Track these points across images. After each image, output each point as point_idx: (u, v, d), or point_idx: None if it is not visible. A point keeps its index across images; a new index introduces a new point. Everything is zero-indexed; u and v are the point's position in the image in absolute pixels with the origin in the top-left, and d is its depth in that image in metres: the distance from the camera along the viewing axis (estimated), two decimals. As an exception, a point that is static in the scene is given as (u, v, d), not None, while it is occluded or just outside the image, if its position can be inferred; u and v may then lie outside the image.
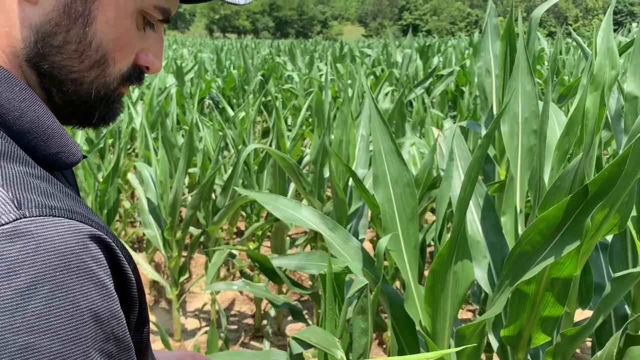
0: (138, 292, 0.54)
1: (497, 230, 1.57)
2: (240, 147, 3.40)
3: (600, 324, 1.59)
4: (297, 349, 1.31)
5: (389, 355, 1.55)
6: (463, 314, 3.48)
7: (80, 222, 0.48)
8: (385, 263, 2.60)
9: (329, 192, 3.18)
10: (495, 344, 1.49)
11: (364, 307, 1.28)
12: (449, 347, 1.40)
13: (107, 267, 0.49)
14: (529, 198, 1.58)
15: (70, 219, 0.47)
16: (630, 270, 1.35)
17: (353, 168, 2.50)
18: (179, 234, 3.29)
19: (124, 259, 0.51)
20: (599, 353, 1.26)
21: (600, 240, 1.76)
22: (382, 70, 7.12)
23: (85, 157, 0.60)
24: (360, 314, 1.28)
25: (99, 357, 0.47)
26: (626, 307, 1.64)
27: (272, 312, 3.40)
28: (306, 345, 1.32)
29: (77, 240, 0.46)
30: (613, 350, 1.22)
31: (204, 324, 3.73)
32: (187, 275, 3.53)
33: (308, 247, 3.72)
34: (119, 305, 0.49)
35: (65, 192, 0.52)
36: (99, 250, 0.48)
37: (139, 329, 0.56)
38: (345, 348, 1.33)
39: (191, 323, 3.83)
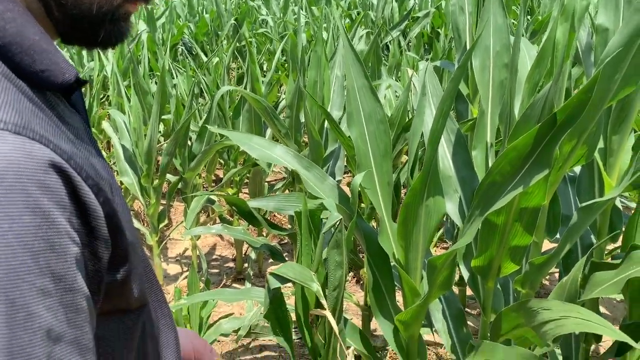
0: (113, 231, 0.51)
1: (468, 165, 1.59)
2: (214, 93, 3.35)
3: (567, 253, 1.65)
4: (274, 284, 1.34)
5: (365, 289, 1.60)
6: (437, 252, 3.57)
7: (44, 145, 0.46)
8: (363, 206, 2.64)
9: (306, 139, 3.18)
10: (466, 274, 1.54)
11: (339, 241, 1.30)
12: (421, 279, 1.45)
13: (61, 197, 0.45)
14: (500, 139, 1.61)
15: (32, 139, 0.45)
16: (596, 199, 1.40)
17: (328, 110, 2.49)
18: (156, 182, 3.28)
19: (87, 191, 0.48)
20: (564, 279, 1.31)
21: (569, 172, 1.81)
22: (358, 13, 6.98)
23: (85, 81, 0.57)
24: (335, 249, 1.31)
25: (29, 290, 0.43)
26: (592, 236, 1.70)
27: (253, 255, 3.46)
28: (283, 280, 1.35)
29: (26, 163, 0.44)
30: (578, 276, 1.27)
31: (185, 269, 3.77)
32: (166, 222, 3.54)
33: (286, 192, 3.74)
34: (66, 239, 0.45)
35: (44, 114, 0.49)
36: (56, 178, 0.45)
37: (113, 269, 0.54)
38: (322, 281, 1.37)
39: (173, 268, 3.88)
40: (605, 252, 1.78)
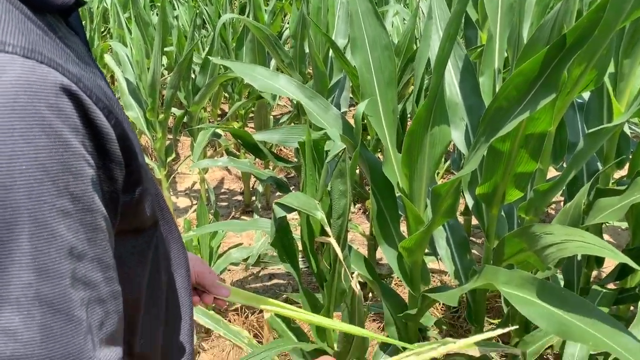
0: (126, 152, 0.52)
1: (475, 93, 1.57)
2: (217, 23, 3.26)
3: (572, 180, 1.64)
4: (280, 213, 1.35)
5: (370, 220, 1.62)
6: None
7: (53, 68, 0.45)
8: (369, 137, 2.63)
9: (310, 70, 3.12)
10: (470, 202, 1.55)
11: (342, 171, 1.30)
12: (425, 208, 1.46)
13: (74, 120, 0.46)
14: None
15: (41, 63, 0.45)
16: (604, 125, 1.38)
17: (332, 37, 2.42)
18: (161, 116, 3.27)
19: (98, 114, 0.48)
20: (568, 205, 1.32)
21: (578, 99, 1.77)
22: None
23: (84, 2, 0.55)
24: (338, 178, 1.31)
25: (49, 211, 0.44)
26: (598, 163, 1.69)
27: (260, 189, 3.49)
28: (289, 210, 1.36)
29: (38, 86, 0.44)
30: (581, 201, 1.27)
31: (194, 202, 3.83)
32: (173, 156, 3.56)
33: (292, 125, 3.72)
34: (81, 162, 0.46)
35: (48, 37, 0.49)
36: (67, 101, 0.46)
37: (129, 190, 0.55)
38: (326, 210, 1.38)
39: (182, 202, 3.93)
40: (612, 181, 1.78)
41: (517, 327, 1.68)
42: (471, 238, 3.22)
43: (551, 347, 1.64)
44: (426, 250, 2.44)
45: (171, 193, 3.84)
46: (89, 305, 0.46)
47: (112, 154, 0.50)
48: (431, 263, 2.72)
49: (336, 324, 1.12)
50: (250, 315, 2.63)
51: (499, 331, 1.03)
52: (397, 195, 1.57)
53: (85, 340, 0.45)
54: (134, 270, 0.61)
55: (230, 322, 2.26)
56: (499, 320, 1.76)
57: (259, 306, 1.02)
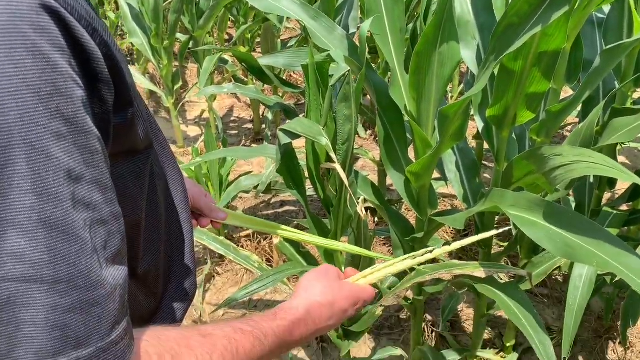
0: (114, 72, 0.51)
1: (488, 9, 1.48)
2: (219, -59, 3.11)
3: (588, 100, 1.59)
4: (284, 139, 1.33)
5: (380, 145, 1.59)
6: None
7: None
8: (379, 61, 2.55)
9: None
10: (480, 125, 1.51)
11: (347, 94, 1.26)
12: (434, 130, 1.43)
13: (57, 39, 0.45)
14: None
15: None
16: (623, 41, 1.30)
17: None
18: (166, 42, 3.19)
19: (82, 32, 0.47)
20: (580, 125, 1.27)
21: (598, 13, 1.68)
22: None
23: None
24: (343, 102, 1.28)
25: (44, 134, 0.44)
26: (615, 82, 1.62)
27: (270, 116, 3.45)
28: (293, 136, 1.34)
29: (17, 4, 0.42)
30: (594, 121, 1.23)
31: (204, 130, 3.81)
32: (180, 83, 3.51)
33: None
34: (70, 83, 0.45)
35: None
36: (49, 19, 0.44)
37: (120, 111, 0.54)
38: (331, 136, 1.36)
39: (192, 130, 3.93)
40: (631, 101, 1.71)
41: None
42: (483, 162, 3.19)
43: (559, 268, 1.65)
44: (437, 176, 2.43)
45: (180, 122, 3.83)
46: (92, 226, 0.47)
47: (100, 74, 0.49)
48: (441, 188, 2.71)
49: (334, 244, 1.13)
50: (262, 241, 2.68)
51: (493, 232, 1.04)
52: (405, 119, 1.54)
53: (92, 260, 0.46)
54: (132, 192, 0.62)
55: (242, 247, 2.30)
56: (508, 243, 1.77)
57: (257, 228, 1.03)
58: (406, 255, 0.99)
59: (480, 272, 1.32)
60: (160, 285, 0.76)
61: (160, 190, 0.74)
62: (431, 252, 1.03)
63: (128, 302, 0.62)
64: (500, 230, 1.08)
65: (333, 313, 0.78)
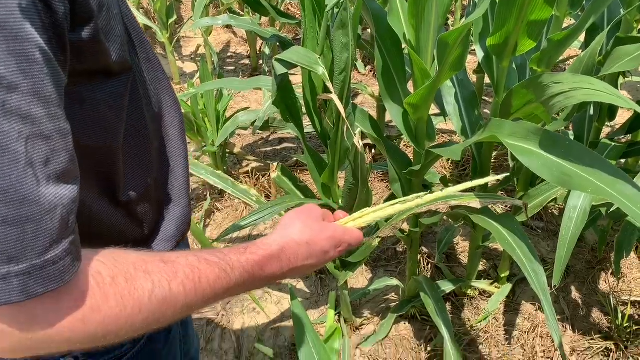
0: None
1: None
2: None
3: (591, 28, 1.55)
4: (280, 70, 1.31)
5: (378, 76, 1.56)
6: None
7: None
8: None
9: None
10: (480, 55, 1.48)
11: (344, 21, 1.23)
12: (433, 60, 1.40)
13: None
14: None
15: None
16: (631, -36, 1.25)
17: None
18: (158, -27, 3.08)
19: None
20: (582, 53, 1.25)
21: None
22: None
23: None
24: (340, 29, 1.24)
25: None
26: (621, 10, 1.57)
27: (267, 51, 3.38)
28: (289, 66, 1.31)
29: None
30: (597, 49, 1.20)
31: (200, 65, 3.75)
32: (175, 17, 3.42)
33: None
34: None
35: None
36: None
37: (78, 26, 0.52)
38: (328, 65, 1.33)
39: (188, 67, 3.86)
40: (637, 30, 1.67)
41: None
42: (484, 98, 3.15)
43: (555, 200, 1.66)
44: (436, 112, 2.41)
45: (176, 57, 3.75)
46: (29, 139, 0.45)
47: None
48: (440, 124, 2.69)
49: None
50: (261, 177, 2.69)
51: (490, 178, 1.03)
52: (404, 50, 1.50)
53: (25, 173, 0.44)
54: (107, 117, 0.60)
55: (241, 183, 2.31)
56: (505, 176, 1.77)
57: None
58: (396, 200, 0.97)
59: (476, 203, 1.33)
60: (150, 216, 0.75)
61: (149, 119, 0.72)
62: (421, 197, 1.00)
63: (112, 229, 0.62)
64: (500, 176, 1.06)
65: (311, 253, 0.75)
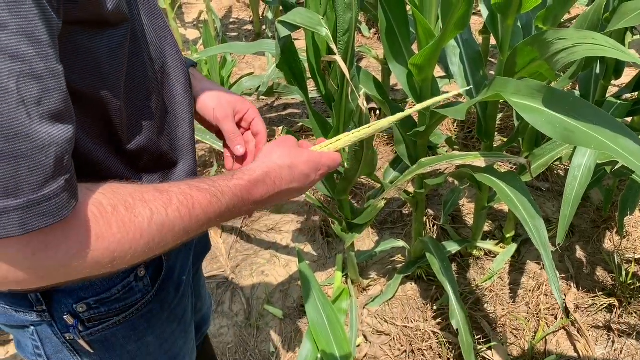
0: None
1: None
2: None
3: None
4: (283, 32, 1.30)
5: (382, 37, 1.54)
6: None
7: None
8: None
9: None
10: (484, 12, 1.47)
11: (347, -20, 1.21)
12: (437, 19, 1.39)
13: None
14: None
15: None
16: None
17: None
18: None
19: None
20: (588, 8, 1.23)
21: None
22: None
23: None
24: (343, -11, 1.23)
25: None
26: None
27: (270, 16, 3.35)
28: (292, 28, 1.30)
29: None
30: (602, 4, 1.19)
31: (203, 31, 3.72)
32: (176, -16, 3.37)
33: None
34: None
35: None
36: None
37: None
38: (332, 27, 1.32)
39: (191, 34, 3.83)
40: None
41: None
42: (489, 59, 3.12)
43: (560, 160, 1.66)
44: (441, 74, 2.38)
45: (179, 24, 3.72)
46: (20, 78, 0.46)
47: None
48: (445, 87, 2.68)
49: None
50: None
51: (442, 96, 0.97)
52: (407, 9, 1.49)
53: (17, 110, 0.46)
54: (102, 65, 0.61)
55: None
56: (509, 137, 1.77)
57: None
58: (372, 123, 0.93)
59: (480, 162, 1.34)
60: (155, 170, 0.77)
61: (153, 74, 0.73)
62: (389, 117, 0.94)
63: (117, 180, 0.64)
64: (451, 94, 0.97)
65: (293, 176, 0.78)
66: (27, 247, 0.49)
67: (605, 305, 1.87)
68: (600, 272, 2.00)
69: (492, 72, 3.00)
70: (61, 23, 0.51)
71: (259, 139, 0.92)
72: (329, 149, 0.89)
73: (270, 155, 0.78)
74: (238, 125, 0.93)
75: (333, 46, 1.25)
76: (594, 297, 1.91)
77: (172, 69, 0.77)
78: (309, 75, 1.53)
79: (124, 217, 0.56)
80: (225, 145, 0.93)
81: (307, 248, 2.22)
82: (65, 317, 0.76)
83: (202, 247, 1.10)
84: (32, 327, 0.78)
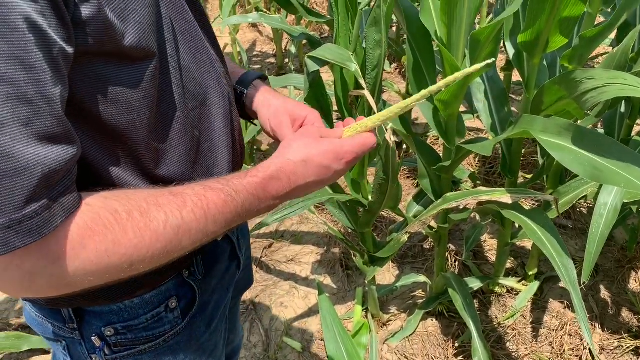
0: None
1: None
2: None
3: (623, 25, 1.54)
4: (313, 67, 1.33)
5: (407, 79, 1.57)
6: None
7: None
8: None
9: None
10: (511, 51, 1.49)
11: (377, 18, 1.25)
12: (464, 57, 1.41)
13: None
14: None
15: None
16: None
17: None
18: (188, -27, 3.14)
19: None
20: (615, 49, 1.25)
21: None
22: None
23: None
24: (373, 26, 1.27)
25: None
26: (654, 6, 1.56)
27: (293, 50, 3.41)
28: (321, 63, 1.34)
29: None
30: (630, 45, 1.20)
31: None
32: (204, 18, 3.47)
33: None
34: None
35: None
36: None
37: (82, 3, 0.54)
38: (360, 62, 1.35)
39: (216, 66, 3.90)
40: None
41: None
42: (510, 95, 3.14)
43: (585, 198, 1.65)
44: (464, 109, 2.39)
45: (204, 56, 3.80)
46: (7, 100, 0.48)
47: None
48: (468, 121, 2.70)
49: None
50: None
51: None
52: (434, 47, 1.52)
53: (0, 132, 0.47)
54: (127, 95, 0.62)
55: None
56: (533, 174, 1.77)
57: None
58: (398, 104, 0.83)
59: (506, 199, 1.34)
60: None
61: (187, 110, 0.73)
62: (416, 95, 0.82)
63: None
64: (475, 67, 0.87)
65: (308, 170, 0.73)
66: (38, 257, 0.52)
67: (631, 348, 1.83)
68: (625, 313, 1.96)
69: (514, 109, 3.02)
70: (72, 51, 0.53)
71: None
72: (359, 132, 0.81)
73: (286, 149, 0.75)
74: None
75: (362, 81, 1.28)
76: (620, 338, 1.87)
77: (213, 103, 0.78)
78: (334, 107, 1.56)
79: (139, 223, 0.57)
80: None
81: (327, 280, 2.21)
82: (93, 338, 0.77)
83: (244, 283, 1.09)
84: (64, 342, 0.79)
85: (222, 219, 0.64)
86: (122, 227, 0.56)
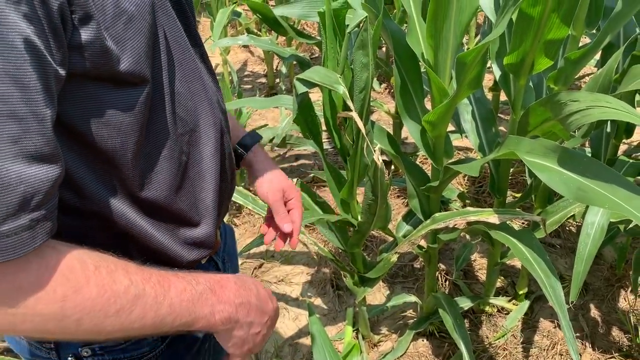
0: None
1: (508, -47, 1.45)
2: None
3: (607, 47, 1.57)
4: (301, 89, 1.34)
5: (396, 94, 1.59)
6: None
7: None
8: (395, 11, 2.51)
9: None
10: (497, 73, 1.51)
11: (364, 41, 1.26)
12: (451, 79, 1.43)
13: None
14: None
15: None
16: (646, -16, 1.28)
17: None
18: (179, -5, 3.16)
19: None
20: (599, 71, 1.27)
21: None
22: None
23: None
24: (360, 49, 1.28)
25: None
26: (637, 29, 1.59)
27: (284, 70, 3.44)
28: (310, 85, 1.35)
29: None
30: (613, 67, 1.22)
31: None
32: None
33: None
34: None
35: None
36: None
37: (79, 24, 0.54)
38: (348, 84, 1.37)
39: (206, 86, 3.92)
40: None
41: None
42: (499, 115, 3.17)
43: (573, 217, 1.66)
44: (452, 128, 2.42)
45: (195, 76, 3.82)
46: None
47: None
48: (456, 140, 2.71)
49: None
50: (278, 193, 2.72)
51: None
52: (421, 68, 1.53)
53: None
54: (114, 121, 0.63)
55: (259, 199, 2.33)
56: (522, 193, 1.78)
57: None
58: None
59: (494, 219, 1.35)
60: (176, 222, 0.77)
61: (179, 134, 0.73)
62: None
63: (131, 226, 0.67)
64: None
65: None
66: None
67: (622, 367, 1.83)
68: (615, 332, 1.96)
69: (502, 129, 3.04)
70: (64, 74, 0.54)
71: (294, 226, 1.01)
72: None
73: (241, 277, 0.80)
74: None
75: (350, 103, 1.29)
76: (610, 357, 1.86)
77: (204, 130, 0.78)
78: (323, 127, 1.56)
79: (103, 279, 0.57)
80: (267, 221, 1.03)
81: (317, 301, 2.20)
82: (69, 358, 0.76)
83: None
84: None
85: (177, 303, 0.64)
86: (86, 277, 0.56)
